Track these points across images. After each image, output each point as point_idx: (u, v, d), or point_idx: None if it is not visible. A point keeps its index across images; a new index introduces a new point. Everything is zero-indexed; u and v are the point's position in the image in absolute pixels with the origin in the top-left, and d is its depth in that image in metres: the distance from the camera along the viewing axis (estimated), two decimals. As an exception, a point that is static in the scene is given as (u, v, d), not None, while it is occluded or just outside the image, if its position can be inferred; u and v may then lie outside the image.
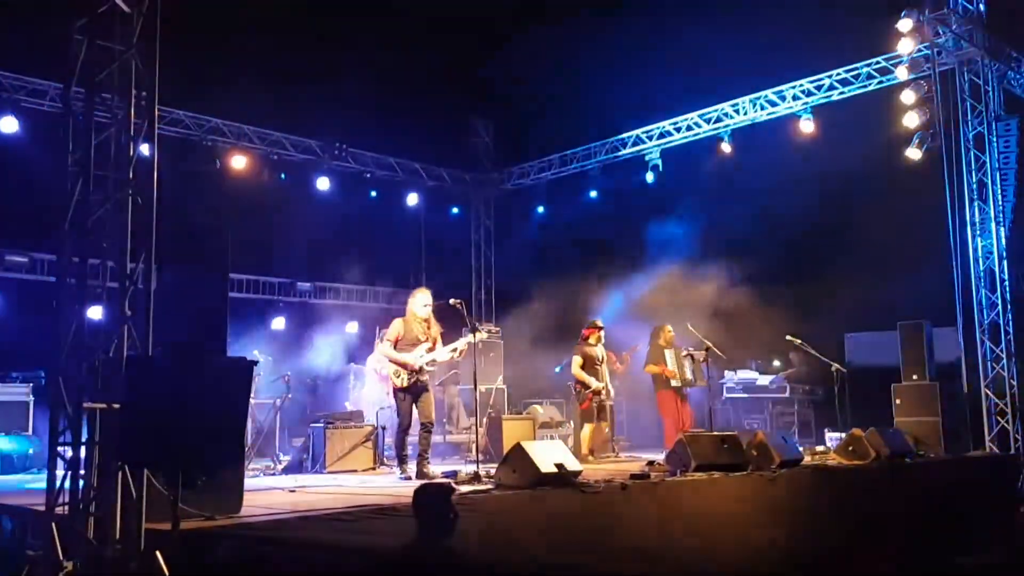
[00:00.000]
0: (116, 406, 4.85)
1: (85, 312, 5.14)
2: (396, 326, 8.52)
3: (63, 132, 5.35)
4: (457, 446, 11.65)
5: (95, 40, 5.35)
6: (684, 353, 10.93)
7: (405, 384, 8.35)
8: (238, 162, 13.23)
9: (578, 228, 15.50)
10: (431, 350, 8.49)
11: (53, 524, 4.82)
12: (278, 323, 14.70)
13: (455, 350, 8.74)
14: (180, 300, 5.61)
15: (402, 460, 8.38)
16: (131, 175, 5.25)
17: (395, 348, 8.44)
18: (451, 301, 8.55)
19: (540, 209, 16.29)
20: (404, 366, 8.35)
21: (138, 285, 5.14)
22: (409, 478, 8.03)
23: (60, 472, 5.01)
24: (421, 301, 8.59)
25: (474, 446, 8.01)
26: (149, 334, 5.12)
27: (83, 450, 4.99)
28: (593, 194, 15.34)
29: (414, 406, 8.45)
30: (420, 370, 8.44)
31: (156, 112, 5.42)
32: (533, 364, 13.33)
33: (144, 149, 5.36)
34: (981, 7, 10.98)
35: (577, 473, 7.13)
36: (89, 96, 5.32)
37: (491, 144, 17.20)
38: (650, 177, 14.33)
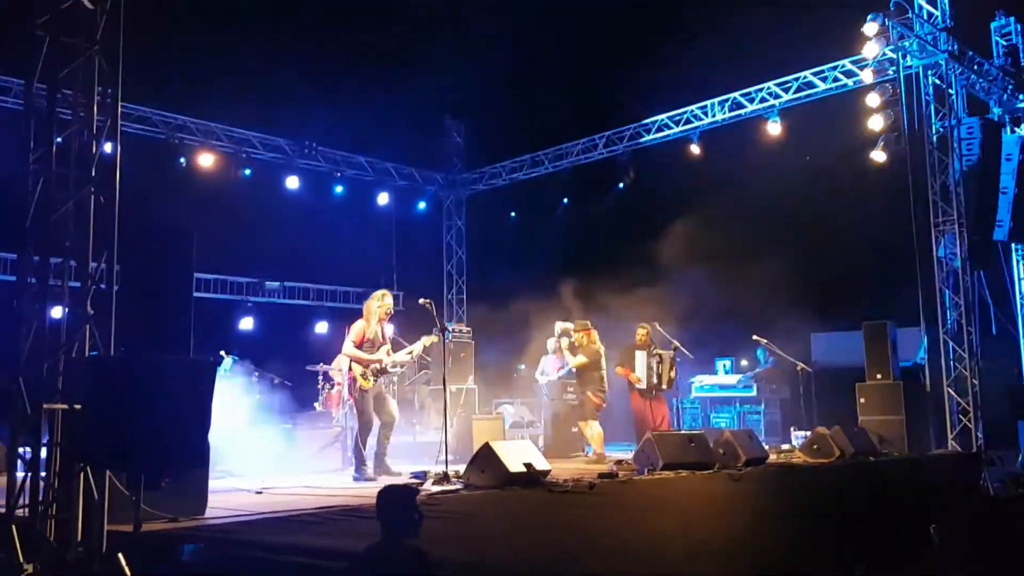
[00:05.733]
0: (78, 407, 4.79)
1: (47, 312, 5.06)
2: (359, 327, 8.58)
3: (25, 129, 5.27)
4: (427, 446, 11.60)
5: (58, 36, 5.27)
6: (653, 352, 10.96)
7: (371, 385, 8.43)
8: (205, 160, 13.12)
9: (549, 229, 15.56)
10: (389, 353, 8.60)
11: (13, 526, 4.75)
12: (246, 323, 14.59)
13: (411, 353, 8.81)
14: (144, 299, 5.55)
15: (363, 462, 8.31)
16: (94, 173, 5.19)
17: (360, 349, 8.49)
18: (420, 301, 8.55)
19: (511, 210, 16.31)
20: (371, 365, 8.41)
21: (100, 285, 5.08)
22: (372, 479, 8.02)
23: (21, 474, 4.94)
24: (384, 304, 8.64)
25: (443, 446, 8.00)
26: (111, 334, 5.07)
27: (44, 451, 4.93)
28: (564, 196, 15.41)
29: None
30: (385, 370, 8.56)
31: (120, 110, 5.36)
32: (504, 364, 13.31)
33: (107, 147, 5.30)
34: (945, 11, 11.16)
35: (546, 472, 7.17)
36: (51, 93, 5.24)
37: (463, 144, 17.20)
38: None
